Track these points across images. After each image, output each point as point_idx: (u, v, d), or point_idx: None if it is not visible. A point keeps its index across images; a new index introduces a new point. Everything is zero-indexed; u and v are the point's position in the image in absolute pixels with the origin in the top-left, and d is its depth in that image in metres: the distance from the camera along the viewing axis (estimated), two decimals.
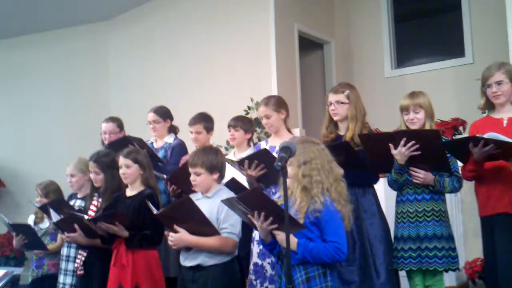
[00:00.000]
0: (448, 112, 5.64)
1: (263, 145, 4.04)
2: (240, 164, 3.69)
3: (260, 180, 3.67)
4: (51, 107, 7.62)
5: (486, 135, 3.06)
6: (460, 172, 3.35)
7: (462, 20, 6.81)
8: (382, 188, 4.10)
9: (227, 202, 2.88)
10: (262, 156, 3.60)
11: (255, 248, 3.68)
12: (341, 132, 3.63)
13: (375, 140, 3.40)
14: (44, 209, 4.38)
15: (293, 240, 2.68)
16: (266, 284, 3.56)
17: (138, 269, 3.52)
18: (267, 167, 3.56)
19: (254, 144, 4.41)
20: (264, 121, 3.94)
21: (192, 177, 3.31)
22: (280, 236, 2.71)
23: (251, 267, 3.70)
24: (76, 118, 7.44)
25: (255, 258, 3.66)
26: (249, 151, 4.13)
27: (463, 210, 5.10)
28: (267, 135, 6.06)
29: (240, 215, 2.90)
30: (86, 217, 3.70)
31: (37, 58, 7.74)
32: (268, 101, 3.94)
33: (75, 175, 4.32)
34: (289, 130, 4.01)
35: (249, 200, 2.74)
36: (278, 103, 3.94)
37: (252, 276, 3.69)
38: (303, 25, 7.03)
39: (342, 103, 3.57)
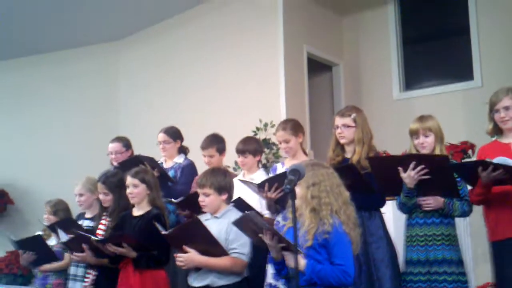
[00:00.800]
0: (457, 135, 5.63)
1: (279, 167, 4.06)
2: (260, 186, 3.71)
3: (278, 202, 3.68)
4: (61, 126, 7.67)
5: (495, 160, 3.07)
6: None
7: (470, 43, 6.83)
8: (391, 211, 4.09)
9: (237, 223, 2.89)
10: (283, 179, 3.61)
11: (269, 269, 3.67)
12: (348, 155, 3.64)
13: (384, 163, 3.41)
14: (52, 228, 4.39)
15: (301, 261, 2.67)
16: None
17: None
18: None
19: (263, 165, 4.42)
20: (283, 146, 3.96)
21: (200, 198, 3.33)
22: (289, 257, 2.71)
23: (265, 286, 3.70)
24: (86, 138, 7.47)
25: (269, 279, 3.66)
26: (259, 172, 4.14)
27: (472, 234, 5.06)
28: (276, 156, 6.10)
29: (251, 235, 2.91)
30: (94, 238, 3.70)
31: (47, 78, 7.80)
32: (285, 125, 3.96)
33: (84, 195, 4.35)
34: (304, 152, 4.03)
35: (253, 222, 2.76)
36: (296, 127, 3.97)
37: None
38: (312, 47, 7.08)
39: (348, 126, 3.59)
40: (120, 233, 3.61)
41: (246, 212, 2.90)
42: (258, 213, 3.07)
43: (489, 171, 3.03)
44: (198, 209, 3.59)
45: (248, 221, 2.83)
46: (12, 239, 4.54)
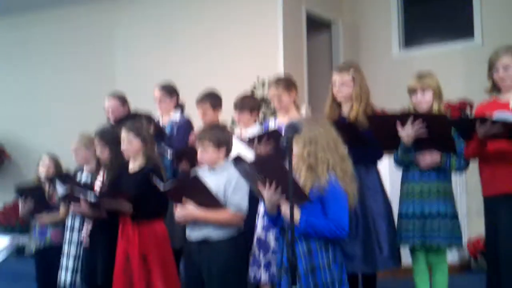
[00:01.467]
0: (456, 94, 5.62)
1: (271, 123, 4.05)
2: (249, 141, 3.73)
3: None
4: (56, 81, 7.63)
5: (495, 116, 3.06)
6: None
7: (472, 1, 6.73)
8: (387, 166, 4.12)
9: (240, 165, 2.90)
10: (272, 136, 3.62)
11: (260, 222, 3.71)
12: (345, 112, 3.63)
13: (382, 120, 3.41)
14: (50, 180, 4.41)
15: (296, 214, 2.68)
16: (268, 256, 3.59)
17: (145, 241, 3.57)
18: (277, 146, 3.59)
19: (260, 123, 4.41)
20: (276, 103, 3.93)
21: (199, 152, 3.33)
22: (285, 208, 2.73)
23: (255, 240, 3.75)
24: (82, 94, 7.45)
25: (259, 232, 3.70)
26: (256, 128, 4.15)
27: (467, 190, 5.13)
28: (274, 114, 6.07)
29: (250, 182, 2.91)
30: (90, 198, 3.73)
31: (43, 34, 7.73)
32: (278, 82, 3.91)
33: (79, 150, 4.35)
34: (297, 108, 4.01)
35: (263, 166, 2.74)
36: (288, 83, 3.92)
37: (255, 249, 3.73)
38: (311, 5, 6.98)
39: (346, 83, 3.57)
40: (114, 191, 3.62)
41: (242, 162, 2.90)
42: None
43: (487, 127, 3.04)
44: (195, 162, 3.61)
45: (244, 169, 2.83)
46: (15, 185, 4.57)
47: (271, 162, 2.74)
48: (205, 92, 4.51)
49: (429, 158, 3.32)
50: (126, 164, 3.80)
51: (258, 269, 3.68)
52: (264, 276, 3.59)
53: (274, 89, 3.89)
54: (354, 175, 2.84)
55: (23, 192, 4.51)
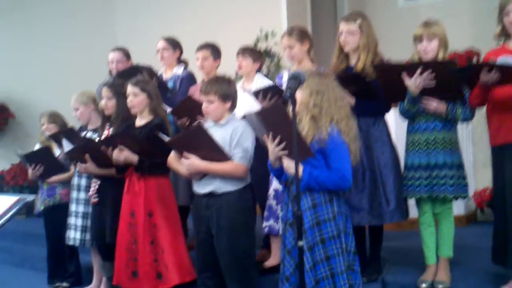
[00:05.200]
0: (462, 43, 5.53)
1: (285, 75, 3.98)
2: (255, 95, 3.70)
3: None
4: (58, 38, 7.54)
5: (499, 60, 3.01)
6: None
7: None
8: (393, 118, 4.08)
9: (248, 117, 2.89)
10: (275, 92, 3.60)
11: None
12: (352, 62, 3.57)
13: (390, 70, 3.35)
14: (55, 138, 4.39)
15: (300, 168, 2.66)
16: None
17: (151, 196, 3.59)
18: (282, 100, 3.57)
19: (266, 75, 4.37)
20: (286, 52, 3.84)
21: (204, 105, 3.29)
22: (286, 162, 2.72)
23: (272, 192, 3.75)
24: (84, 49, 7.37)
25: (275, 184, 3.71)
26: (257, 76, 4.14)
27: (473, 140, 5.11)
28: (278, 67, 6.02)
29: (258, 134, 2.91)
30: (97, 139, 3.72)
31: None
32: (291, 31, 3.82)
33: (78, 108, 4.32)
34: (312, 61, 3.94)
35: (268, 118, 2.72)
36: (302, 33, 3.81)
37: (272, 201, 3.72)
38: None
39: (353, 33, 3.50)
40: (124, 131, 3.63)
41: (249, 113, 2.89)
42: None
43: (492, 74, 2.99)
44: (194, 116, 3.58)
45: (252, 120, 2.81)
46: (21, 154, 4.55)
47: (277, 114, 2.71)
48: (206, 42, 4.47)
49: (435, 102, 3.28)
50: (132, 118, 3.79)
51: (274, 221, 3.71)
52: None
53: (286, 39, 3.80)
54: (358, 135, 2.84)
55: (30, 159, 4.46)
